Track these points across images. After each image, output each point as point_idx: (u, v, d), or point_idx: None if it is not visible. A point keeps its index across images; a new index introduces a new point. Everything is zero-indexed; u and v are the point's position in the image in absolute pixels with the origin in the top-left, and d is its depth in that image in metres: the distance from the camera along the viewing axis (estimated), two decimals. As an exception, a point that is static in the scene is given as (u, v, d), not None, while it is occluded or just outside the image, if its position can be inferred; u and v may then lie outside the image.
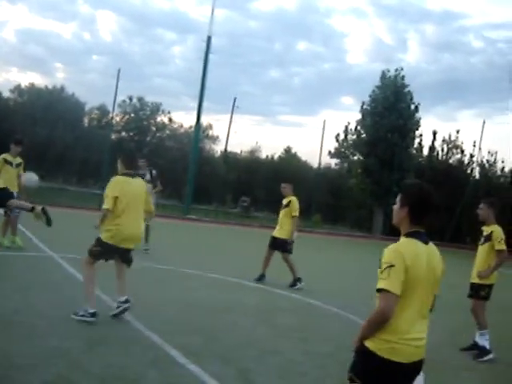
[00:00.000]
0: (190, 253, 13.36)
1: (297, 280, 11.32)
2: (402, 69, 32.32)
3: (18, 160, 11.49)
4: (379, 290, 3.28)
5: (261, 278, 11.49)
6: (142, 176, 13.41)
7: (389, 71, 32.40)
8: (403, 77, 32.17)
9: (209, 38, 28.01)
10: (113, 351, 5.88)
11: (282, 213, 11.66)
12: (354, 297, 11.14)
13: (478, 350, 7.54)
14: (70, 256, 11.00)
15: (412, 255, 3.34)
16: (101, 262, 7.26)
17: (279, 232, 11.59)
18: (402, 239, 3.48)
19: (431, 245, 3.54)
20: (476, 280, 7.49)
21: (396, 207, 3.63)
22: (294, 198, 11.60)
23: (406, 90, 32.17)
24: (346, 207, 35.96)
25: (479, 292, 7.55)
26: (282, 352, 6.70)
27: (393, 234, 30.40)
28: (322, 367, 6.34)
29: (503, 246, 7.32)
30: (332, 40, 71.72)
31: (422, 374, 3.53)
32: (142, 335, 6.56)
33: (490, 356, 7.44)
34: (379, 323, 3.28)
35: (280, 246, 11.48)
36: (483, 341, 7.51)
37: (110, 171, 27.17)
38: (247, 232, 24.78)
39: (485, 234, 7.42)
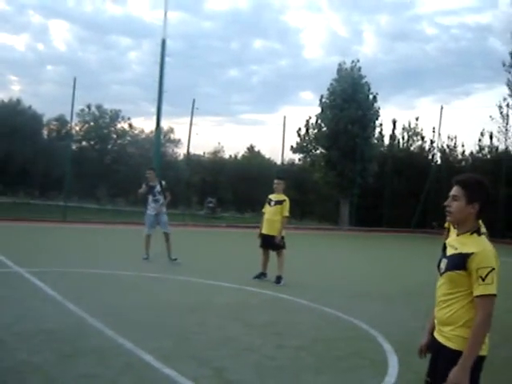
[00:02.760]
0: (157, 257, 13.28)
1: (262, 274, 11.53)
2: (358, 61, 32.58)
3: None
4: (486, 296, 3.19)
5: (260, 276, 11.58)
6: (153, 187, 13.46)
7: (345, 64, 32.64)
8: (360, 68, 32.43)
9: (163, 42, 27.82)
10: (85, 362, 5.80)
11: (272, 210, 11.59)
12: (324, 289, 11.22)
13: None
14: (36, 270, 10.85)
15: (496, 254, 3.31)
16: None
17: (269, 229, 11.56)
18: (479, 238, 3.35)
19: None
20: None
21: (459, 204, 3.40)
22: (287, 199, 11.66)
23: (363, 81, 32.41)
24: (312, 201, 36.12)
25: None
26: (256, 348, 6.69)
27: (359, 225, 30.75)
28: (296, 360, 6.35)
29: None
30: (288, 36, 72.10)
31: None
32: (114, 343, 6.49)
33: None
34: (489, 328, 3.22)
35: (272, 244, 11.48)
36: None
37: (72, 182, 27.01)
38: (215, 233, 24.73)
39: None
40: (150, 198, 13.65)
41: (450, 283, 3.35)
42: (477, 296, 3.21)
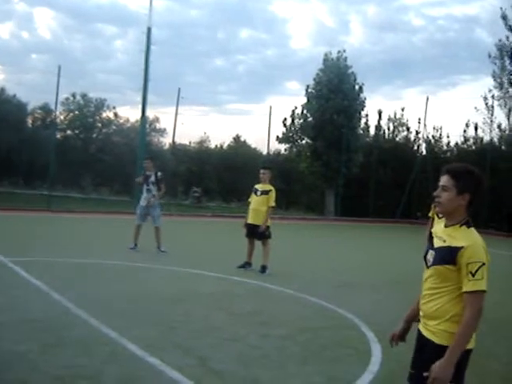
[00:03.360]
0: (142, 247, 13.26)
1: (247, 264, 11.62)
2: (344, 51, 32.59)
3: None
4: (475, 292, 3.12)
5: (244, 266, 11.61)
6: (148, 177, 13.42)
7: (331, 54, 32.63)
8: (346, 58, 32.43)
9: (149, 30, 27.65)
10: (70, 351, 5.79)
11: (258, 199, 11.62)
12: (309, 278, 11.26)
13: None
14: (21, 259, 10.79)
15: (486, 247, 3.24)
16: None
17: (255, 219, 11.59)
18: (469, 230, 3.28)
19: None
20: None
21: (449, 194, 3.29)
22: (273, 189, 11.68)
23: (350, 71, 32.44)
24: (298, 191, 36.18)
25: None
26: (240, 337, 6.71)
27: (345, 215, 30.85)
28: (281, 349, 6.38)
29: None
30: (274, 26, 71.87)
31: None
32: (99, 332, 6.48)
33: None
34: (477, 324, 3.16)
35: (258, 233, 11.51)
36: None
37: (57, 171, 26.84)
38: (200, 222, 24.72)
39: None
40: (144, 187, 13.64)
41: (437, 277, 3.27)
42: (466, 292, 3.14)
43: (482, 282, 3.11)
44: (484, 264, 3.13)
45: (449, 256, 3.20)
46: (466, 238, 3.21)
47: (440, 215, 3.43)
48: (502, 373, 6.35)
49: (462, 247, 3.16)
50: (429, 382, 3.14)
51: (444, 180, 3.33)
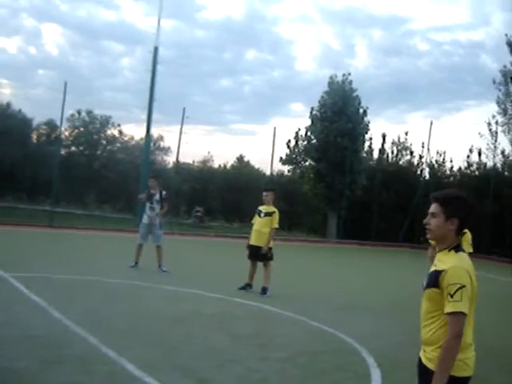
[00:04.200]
0: (144, 265, 13.23)
1: (248, 285, 11.59)
2: (349, 74, 32.67)
3: None
4: (453, 313, 3.16)
5: (245, 287, 11.58)
6: (152, 195, 13.44)
7: (336, 77, 32.76)
8: (351, 81, 32.53)
9: (156, 49, 27.82)
10: (68, 369, 5.77)
11: (262, 221, 11.62)
12: (310, 301, 11.22)
13: None
14: (21, 275, 10.79)
15: (472, 271, 3.29)
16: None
17: (258, 240, 11.58)
18: (456, 255, 3.33)
19: None
20: None
21: (438, 221, 3.39)
22: (277, 210, 11.70)
23: (354, 94, 32.52)
24: (301, 213, 36.14)
25: None
26: (240, 360, 6.69)
27: (347, 237, 30.79)
28: (281, 372, 6.35)
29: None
30: (280, 47, 72.06)
31: None
32: (98, 351, 6.46)
33: None
34: (458, 347, 3.17)
35: (260, 255, 11.50)
36: None
37: (60, 187, 26.88)
38: (202, 242, 24.69)
39: None
40: (148, 205, 13.64)
41: (428, 301, 3.34)
42: (446, 313, 3.19)
43: (460, 303, 3.15)
44: (464, 286, 3.17)
45: (434, 279, 3.27)
46: (450, 262, 3.28)
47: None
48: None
49: (443, 270, 3.24)
50: None
51: (432, 207, 3.43)
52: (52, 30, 70.51)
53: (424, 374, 3.34)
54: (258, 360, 6.77)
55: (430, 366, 3.28)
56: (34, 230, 21.58)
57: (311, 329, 8.82)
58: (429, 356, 3.32)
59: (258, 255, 11.51)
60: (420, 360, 3.43)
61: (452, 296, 3.16)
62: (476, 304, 3.37)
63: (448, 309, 3.17)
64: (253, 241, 11.66)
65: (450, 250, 3.35)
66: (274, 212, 11.62)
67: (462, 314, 3.16)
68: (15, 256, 13.69)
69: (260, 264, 11.61)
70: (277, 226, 11.62)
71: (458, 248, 3.36)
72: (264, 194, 11.86)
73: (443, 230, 3.37)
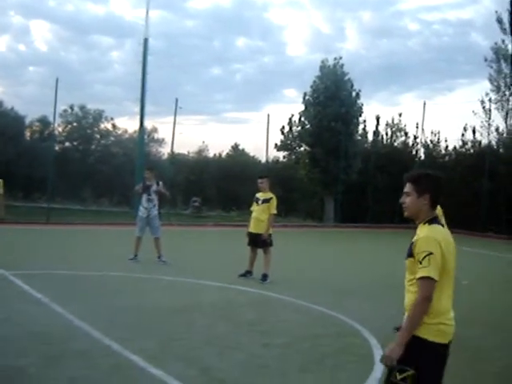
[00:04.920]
0: (143, 258, 13.25)
1: (248, 272, 11.63)
2: (340, 58, 32.57)
3: None
4: (421, 278, 3.38)
5: (245, 274, 11.63)
6: (149, 186, 13.45)
7: (328, 61, 32.67)
8: (342, 65, 32.44)
9: (145, 41, 27.72)
10: (73, 363, 5.81)
11: (260, 208, 11.66)
12: (310, 285, 11.27)
13: None
14: (21, 272, 10.80)
15: (444, 241, 3.50)
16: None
17: (257, 227, 11.63)
18: (429, 226, 3.57)
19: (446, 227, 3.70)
20: None
21: (412, 198, 3.67)
22: (274, 196, 11.73)
23: (346, 78, 32.42)
24: (297, 198, 36.16)
25: None
26: (242, 347, 6.74)
27: (344, 221, 30.84)
28: (282, 358, 6.40)
29: None
30: (271, 34, 71.71)
31: None
32: (102, 344, 6.50)
33: None
34: (425, 309, 3.38)
35: (260, 241, 11.54)
36: None
37: (56, 183, 26.84)
38: (201, 232, 24.72)
39: None
40: (145, 196, 13.47)
41: (407, 270, 3.57)
42: (416, 279, 3.41)
43: (427, 269, 3.37)
44: (431, 253, 3.39)
45: (409, 250, 3.53)
46: (422, 232, 3.53)
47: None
48: (499, 374, 6.37)
49: (415, 240, 3.51)
50: (380, 360, 3.55)
51: (406, 187, 3.72)
52: (40, 26, 70.07)
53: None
54: (260, 346, 6.82)
55: None
56: (31, 227, 21.55)
57: (312, 313, 8.87)
58: None
59: (258, 242, 11.56)
60: None
61: (421, 262, 3.39)
62: (454, 274, 3.57)
63: (417, 274, 3.40)
64: (252, 228, 11.71)
65: (424, 224, 3.60)
66: (272, 198, 11.66)
67: (430, 278, 3.36)
68: (14, 254, 13.69)
69: (260, 251, 11.65)
70: (275, 211, 11.65)
71: (432, 221, 3.59)
72: (259, 181, 11.90)
73: (417, 207, 3.63)
